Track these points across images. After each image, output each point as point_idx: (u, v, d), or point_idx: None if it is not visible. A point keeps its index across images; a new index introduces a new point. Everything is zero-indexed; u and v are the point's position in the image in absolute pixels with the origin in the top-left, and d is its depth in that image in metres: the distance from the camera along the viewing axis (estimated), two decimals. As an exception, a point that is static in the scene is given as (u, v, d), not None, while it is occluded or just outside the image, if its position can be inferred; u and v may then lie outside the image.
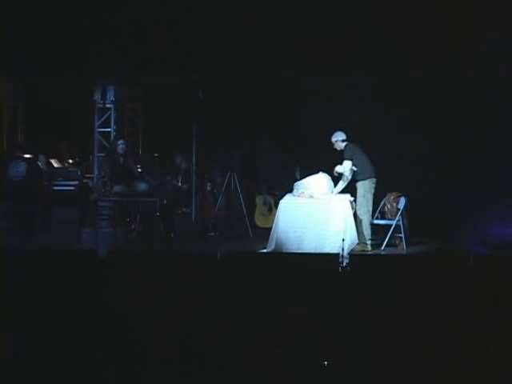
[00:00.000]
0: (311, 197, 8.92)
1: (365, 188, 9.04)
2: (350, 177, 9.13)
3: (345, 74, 9.94)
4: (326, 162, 9.29)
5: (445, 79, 10.05)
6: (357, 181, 9.13)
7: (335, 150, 9.28)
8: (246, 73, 10.23)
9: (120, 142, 9.78)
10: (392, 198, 9.48)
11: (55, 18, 9.14)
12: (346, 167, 9.07)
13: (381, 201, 9.52)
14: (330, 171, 9.13)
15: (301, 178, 9.39)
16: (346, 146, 9.20)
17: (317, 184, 9.00)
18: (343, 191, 9.20)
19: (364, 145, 9.28)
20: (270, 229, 8.85)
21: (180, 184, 10.63)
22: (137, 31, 9.32)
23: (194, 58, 9.69)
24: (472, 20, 8.53)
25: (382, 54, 9.09)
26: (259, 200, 11.23)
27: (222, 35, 9.24)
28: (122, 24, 9.30)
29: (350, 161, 9.09)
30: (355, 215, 8.88)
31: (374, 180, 9.09)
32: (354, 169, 9.13)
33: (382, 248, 9.08)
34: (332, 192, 9.07)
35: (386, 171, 9.20)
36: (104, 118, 10.34)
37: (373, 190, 9.08)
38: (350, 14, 8.80)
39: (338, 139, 9.26)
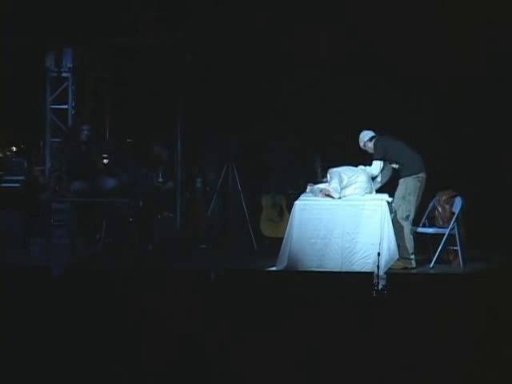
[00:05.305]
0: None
1: (407, 187, 9.06)
2: (385, 178, 9.22)
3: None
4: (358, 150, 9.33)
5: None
6: (399, 178, 9.15)
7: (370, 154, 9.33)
8: (249, 31, 10.21)
9: (85, 127, 9.80)
10: (444, 198, 9.48)
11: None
12: (374, 170, 9.10)
13: (429, 202, 9.51)
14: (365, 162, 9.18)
15: (323, 171, 9.36)
16: (374, 142, 9.21)
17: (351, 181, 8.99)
18: (380, 191, 9.21)
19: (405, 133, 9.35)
20: (281, 239, 8.87)
21: (160, 180, 10.64)
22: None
23: (178, 12, 9.69)
24: None
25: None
26: (266, 201, 11.23)
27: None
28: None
29: (380, 161, 9.17)
30: (394, 222, 8.88)
31: (422, 176, 9.08)
32: (395, 166, 9.15)
33: (431, 265, 9.12)
34: (369, 191, 9.04)
35: (436, 165, 9.25)
36: (59, 91, 10.36)
37: (418, 191, 9.07)
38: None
39: (365, 140, 9.29)
